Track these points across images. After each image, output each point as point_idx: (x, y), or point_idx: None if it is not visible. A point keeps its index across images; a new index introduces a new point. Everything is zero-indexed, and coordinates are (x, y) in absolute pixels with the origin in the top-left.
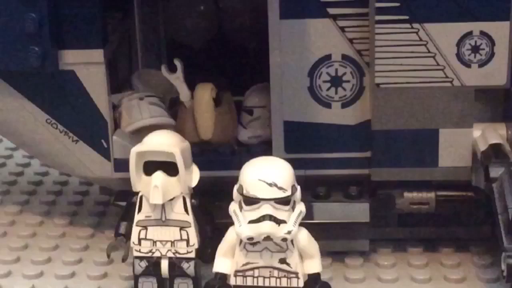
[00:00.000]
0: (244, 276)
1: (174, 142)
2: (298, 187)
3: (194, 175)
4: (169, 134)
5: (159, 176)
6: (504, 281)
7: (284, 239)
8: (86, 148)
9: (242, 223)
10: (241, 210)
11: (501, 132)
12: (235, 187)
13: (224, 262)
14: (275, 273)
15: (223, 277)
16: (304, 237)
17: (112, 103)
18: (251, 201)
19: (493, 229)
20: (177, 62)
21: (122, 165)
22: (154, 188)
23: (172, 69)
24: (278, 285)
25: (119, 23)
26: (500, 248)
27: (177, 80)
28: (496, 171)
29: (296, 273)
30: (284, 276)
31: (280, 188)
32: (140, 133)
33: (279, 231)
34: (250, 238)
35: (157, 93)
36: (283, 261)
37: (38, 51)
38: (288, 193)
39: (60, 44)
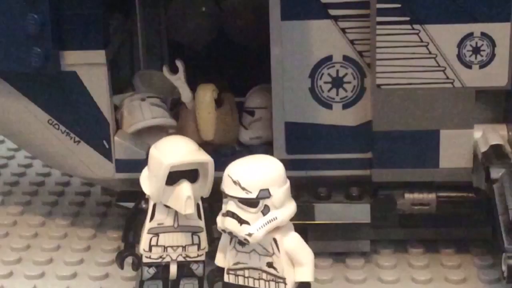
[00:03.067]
0: (236, 275)
1: (197, 149)
2: (276, 194)
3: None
4: (187, 140)
5: (188, 186)
6: (504, 282)
7: (246, 240)
8: (87, 148)
9: (220, 215)
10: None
11: (502, 133)
12: None
13: (222, 257)
14: (264, 276)
15: (223, 270)
16: (290, 243)
17: (114, 104)
18: (224, 194)
19: (494, 230)
20: (179, 63)
21: (123, 165)
22: (188, 199)
23: (174, 70)
24: None
25: (121, 24)
26: (500, 249)
27: (179, 81)
28: (497, 172)
29: (284, 279)
30: (272, 280)
31: (243, 189)
32: (141, 134)
33: (241, 231)
34: (222, 230)
35: (158, 94)
36: (270, 265)
37: (40, 52)
38: (252, 195)
39: (62, 45)
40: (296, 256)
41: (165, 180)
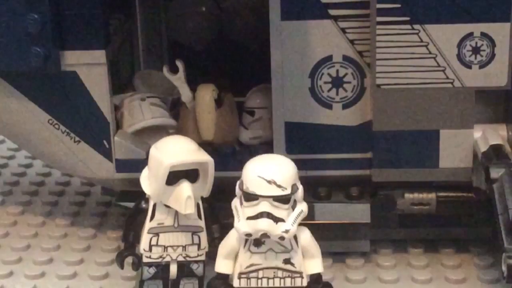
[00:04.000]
0: (248, 278)
1: (197, 149)
2: (300, 187)
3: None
4: (187, 140)
5: (188, 186)
6: (504, 282)
7: (282, 238)
8: (88, 148)
9: (241, 219)
10: (241, 206)
11: (501, 133)
12: (238, 183)
13: (225, 263)
14: (279, 273)
15: (225, 277)
16: (307, 237)
17: (114, 104)
18: (250, 197)
19: (494, 229)
20: (179, 63)
21: (123, 165)
22: (188, 199)
23: (174, 70)
24: (282, 285)
25: (121, 24)
26: (500, 249)
27: (179, 81)
28: (496, 172)
29: (300, 273)
30: (288, 276)
31: (279, 186)
32: (141, 134)
33: (277, 229)
34: (248, 234)
35: (158, 94)
36: (287, 261)
37: (40, 51)
38: (288, 191)
39: (62, 45)
40: (311, 249)
41: (165, 180)
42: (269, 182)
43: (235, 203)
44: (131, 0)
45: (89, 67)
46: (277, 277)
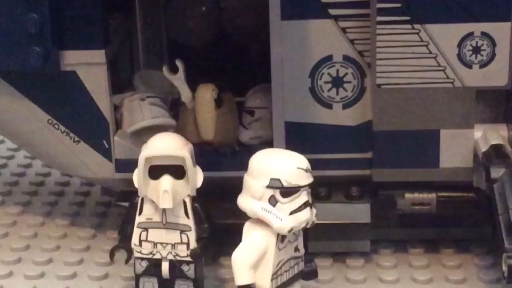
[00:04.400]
0: (276, 278)
1: (181, 145)
2: None
3: (198, 177)
4: (174, 136)
5: (167, 180)
6: (505, 282)
7: (313, 222)
8: (87, 148)
9: (282, 217)
10: (276, 205)
11: (502, 133)
12: (261, 185)
13: (250, 273)
14: (292, 263)
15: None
16: None
17: (114, 104)
18: (290, 192)
19: (494, 230)
20: (179, 63)
21: (123, 165)
22: (164, 193)
23: (174, 69)
24: (294, 273)
25: (121, 24)
26: (501, 249)
27: (179, 80)
28: (497, 172)
29: (302, 256)
30: (296, 264)
31: (310, 172)
32: (141, 134)
33: (313, 215)
34: (290, 230)
35: (158, 94)
36: (296, 248)
37: (39, 51)
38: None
39: (61, 45)
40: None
41: (145, 172)
42: (306, 170)
43: (263, 206)
44: (131, 0)
45: (89, 67)
46: (291, 267)
